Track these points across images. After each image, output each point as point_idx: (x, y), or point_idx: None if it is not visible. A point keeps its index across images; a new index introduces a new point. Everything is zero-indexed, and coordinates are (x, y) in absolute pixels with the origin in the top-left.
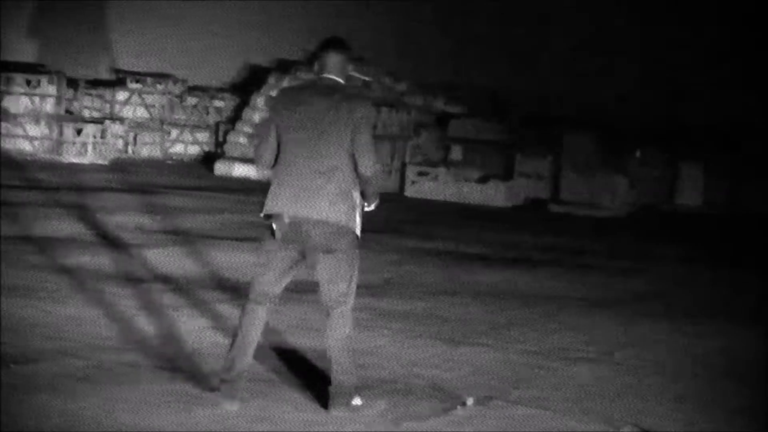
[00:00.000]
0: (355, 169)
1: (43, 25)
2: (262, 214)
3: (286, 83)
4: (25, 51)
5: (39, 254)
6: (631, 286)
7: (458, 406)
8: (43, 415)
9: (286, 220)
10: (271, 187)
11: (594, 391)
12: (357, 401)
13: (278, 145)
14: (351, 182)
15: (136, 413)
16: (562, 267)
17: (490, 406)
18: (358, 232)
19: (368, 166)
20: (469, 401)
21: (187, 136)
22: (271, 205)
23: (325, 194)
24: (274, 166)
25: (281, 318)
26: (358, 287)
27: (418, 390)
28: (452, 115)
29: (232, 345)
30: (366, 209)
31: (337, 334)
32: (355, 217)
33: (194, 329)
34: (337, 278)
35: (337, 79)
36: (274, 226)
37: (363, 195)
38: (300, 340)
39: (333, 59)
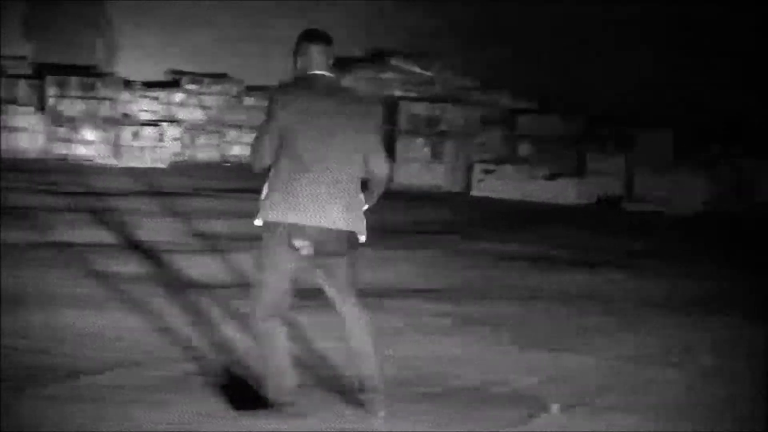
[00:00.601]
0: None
1: (97, 27)
2: (260, 222)
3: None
4: (80, 54)
5: (99, 262)
6: (710, 289)
7: (543, 414)
8: (128, 426)
9: (301, 228)
10: (276, 194)
11: (680, 396)
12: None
13: (280, 148)
14: (359, 187)
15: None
16: (638, 268)
17: (576, 412)
18: (364, 237)
19: (384, 167)
20: (554, 408)
21: (246, 137)
22: (279, 213)
23: (338, 201)
24: (272, 169)
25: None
26: (434, 292)
27: (500, 397)
28: (520, 111)
29: (267, 372)
30: (364, 209)
31: (360, 334)
32: (363, 221)
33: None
34: (348, 281)
35: (330, 75)
36: (278, 233)
37: (370, 195)
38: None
39: (319, 53)
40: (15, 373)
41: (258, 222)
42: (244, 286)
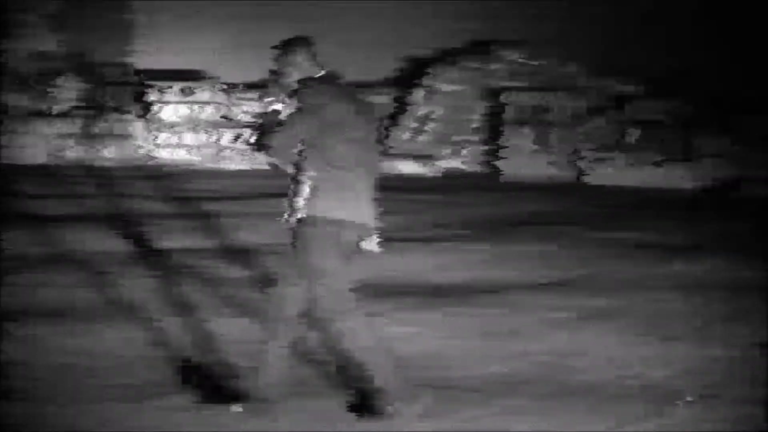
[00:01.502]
0: None
1: (195, 31)
2: (301, 216)
3: (449, 74)
4: (178, 58)
5: (223, 267)
6: None
7: (675, 407)
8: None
9: (348, 226)
10: (321, 191)
11: None
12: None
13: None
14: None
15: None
16: (755, 254)
17: (709, 405)
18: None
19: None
20: (687, 401)
21: None
22: (336, 209)
23: (368, 199)
24: (312, 166)
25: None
26: (556, 285)
27: (631, 391)
28: (628, 97)
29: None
30: None
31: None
32: None
33: (389, 336)
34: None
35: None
36: (319, 230)
37: None
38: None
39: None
40: (162, 380)
41: (295, 218)
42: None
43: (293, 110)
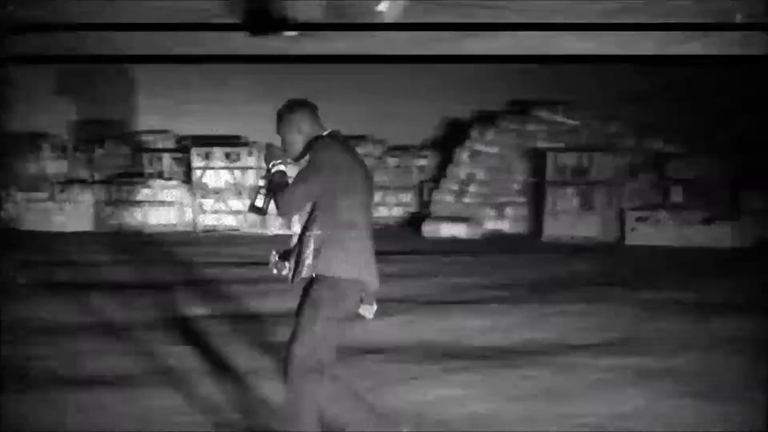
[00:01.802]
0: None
1: (238, 98)
2: (306, 275)
3: (490, 135)
4: (219, 124)
5: (265, 332)
6: None
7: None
8: None
9: (370, 287)
10: (342, 252)
11: None
12: None
13: (321, 203)
14: None
15: None
16: None
17: None
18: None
19: None
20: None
21: (391, 198)
22: (351, 270)
23: (373, 257)
24: (324, 226)
25: None
26: (602, 345)
27: None
28: (669, 155)
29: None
30: None
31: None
32: None
33: (434, 399)
34: None
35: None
36: (354, 290)
37: None
38: None
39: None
40: None
41: (299, 277)
42: (414, 348)
43: (304, 169)
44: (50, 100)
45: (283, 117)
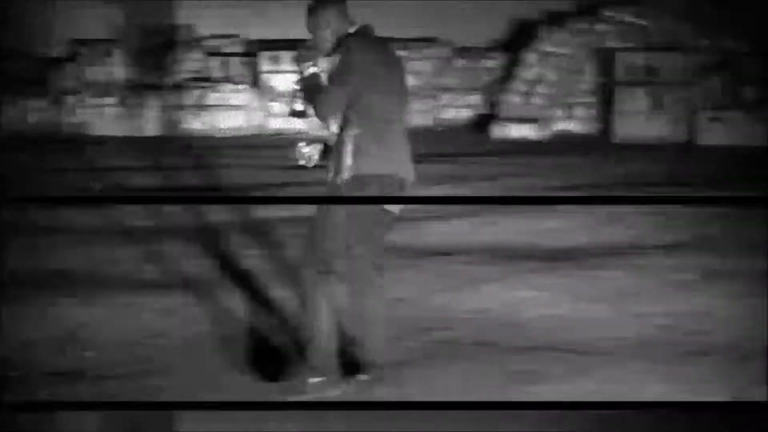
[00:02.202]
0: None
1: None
2: (349, 174)
3: (558, 36)
4: (287, 28)
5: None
6: None
7: None
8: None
9: (407, 183)
10: (366, 147)
11: None
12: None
13: (355, 102)
14: None
15: (465, 396)
16: None
17: None
18: None
19: None
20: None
21: (459, 99)
22: (390, 166)
23: (408, 152)
24: (360, 125)
25: None
26: (674, 246)
27: (755, 354)
28: (743, 55)
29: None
30: None
31: (375, 300)
32: None
33: (510, 301)
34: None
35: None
36: (370, 188)
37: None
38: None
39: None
40: None
41: (342, 177)
42: (486, 251)
43: (336, 69)
44: (120, 6)
45: (313, 12)
